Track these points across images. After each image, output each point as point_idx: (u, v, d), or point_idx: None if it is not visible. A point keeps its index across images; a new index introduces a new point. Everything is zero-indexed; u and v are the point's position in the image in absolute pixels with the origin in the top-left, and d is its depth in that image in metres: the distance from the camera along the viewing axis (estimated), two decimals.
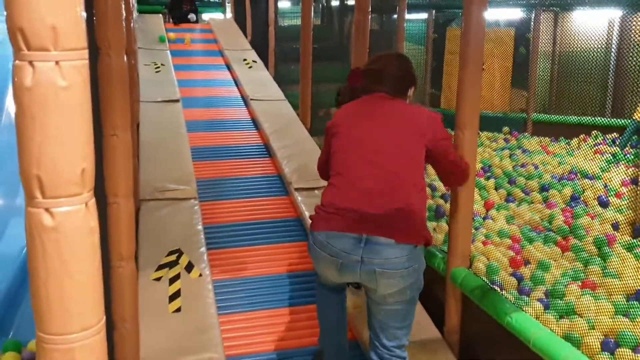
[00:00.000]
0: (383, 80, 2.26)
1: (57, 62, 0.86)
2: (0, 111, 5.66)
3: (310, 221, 2.24)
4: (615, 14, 6.80)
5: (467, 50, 2.48)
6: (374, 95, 2.25)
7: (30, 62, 0.85)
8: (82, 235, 0.90)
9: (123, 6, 2.20)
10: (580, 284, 3.03)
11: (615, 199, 4.62)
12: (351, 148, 2.16)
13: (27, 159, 0.88)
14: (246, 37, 7.39)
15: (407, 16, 6.32)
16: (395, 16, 6.19)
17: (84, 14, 0.89)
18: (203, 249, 3.15)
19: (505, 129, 7.05)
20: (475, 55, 2.49)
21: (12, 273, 3.85)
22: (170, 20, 8.86)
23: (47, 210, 0.88)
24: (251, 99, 5.44)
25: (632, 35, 6.36)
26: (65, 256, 0.88)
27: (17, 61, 0.86)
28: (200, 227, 3.37)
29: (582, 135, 6.59)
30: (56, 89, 0.86)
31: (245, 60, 6.45)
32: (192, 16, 8.87)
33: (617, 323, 2.50)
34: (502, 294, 2.64)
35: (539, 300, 2.79)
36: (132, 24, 3.30)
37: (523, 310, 2.58)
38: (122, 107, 2.14)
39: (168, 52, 6.53)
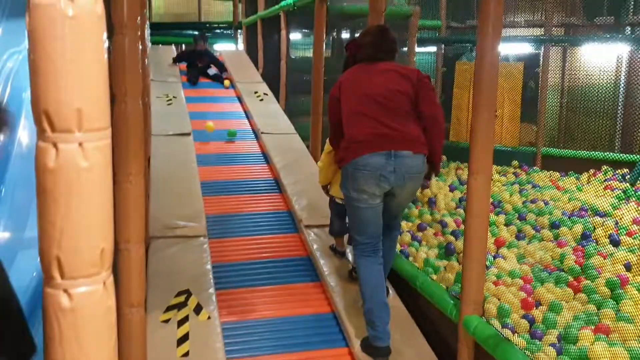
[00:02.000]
0: (378, 50, 2.95)
1: (80, 144, 0.87)
2: (12, 142, 5.68)
3: (347, 156, 2.83)
4: (623, 49, 6.83)
5: (480, 98, 2.48)
6: (374, 62, 2.94)
7: (54, 144, 0.86)
8: (99, 316, 0.89)
9: (140, 46, 2.22)
10: (593, 328, 2.99)
11: (626, 237, 4.59)
12: (362, 95, 2.84)
13: (48, 240, 0.87)
14: (257, 69, 7.45)
15: (417, 49, 6.38)
16: (406, 49, 6.25)
17: (108, 93, 0.90)
18: (212, 289, 3.13)
19: (515, 162, 7.04)
20: (488, 101, 2.49)
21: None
22: (176, 62, 7.44)
23: (65, 291, 0.87)
24: (262, 133, 5.45)
25: None
26: (82, 338, 0.87)
27: (40, 142, 0.86)
28: (209, 266, 3.36)
29: (591, 170, 6.57)
30: (79, 170, 0.87)
31: (256, 92, 6.48)
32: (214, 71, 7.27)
33: None
34: (516, 344, 2.60)
35: (552, 345, 2.75)
36: (146, 61, 3.33)
37: (536, 355, 2.55)
38: (137, 153, 2.15)
39: (180, 84, 6.59)
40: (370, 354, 2.81)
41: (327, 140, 3.30)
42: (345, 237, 3.51)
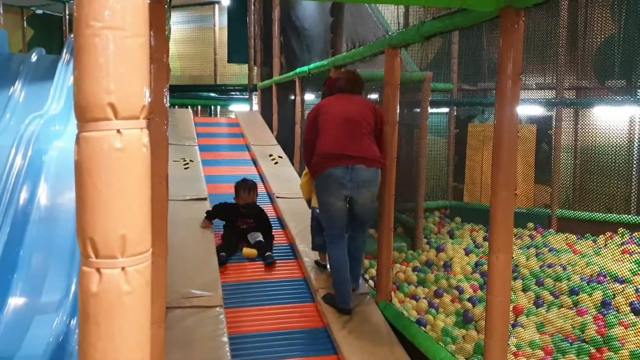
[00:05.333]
0: (350, 84, 3.87)
1: (123, 268, 0.89)
2: (30, 205, 5.75)
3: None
4: (635, 111, 6.88)
5: (499, 176, 2.51)
6: (345, 94, 3.83)
7: (98, 269, 0.88)
8: None
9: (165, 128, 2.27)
10: None
11: None
12: (335, 119, 3.66)
13: None
14: (272, 131, 7.55)
15: (430, 110, 6.47)
16: (418, 110, 6.34)
17: (150, 217, 0.92)
18: None
19: (530, 224, 7.01)
20: (507, 180, 2.51)
21: None
22: (211, 219, 4.81)
23: None
24: (277, 197, 5.48)
25: None
26: None
27: (84, 267, 0.89)
28: (225, 338, 3.32)
29: (608, 233, 6.52)
30: (121, 294, 0.88)
31: (271, 155, 6.54)
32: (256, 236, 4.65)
33: None
34: None
35: None
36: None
37: None
38: (160, 234, 2.17)
39: (197, 147, 6.67)
40: (333, 307, 3.69)
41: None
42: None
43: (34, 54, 7.41)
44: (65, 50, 6.90)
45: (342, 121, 3.64)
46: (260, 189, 5.93)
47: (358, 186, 3.57)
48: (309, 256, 4.42)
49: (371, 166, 3.59)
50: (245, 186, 4.87)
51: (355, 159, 3.56)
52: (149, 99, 0.91)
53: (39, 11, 13.39)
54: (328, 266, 4.05)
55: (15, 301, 4.82)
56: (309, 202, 4.31)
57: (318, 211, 3.96)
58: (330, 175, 3.57)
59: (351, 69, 4.21)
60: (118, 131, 0.87)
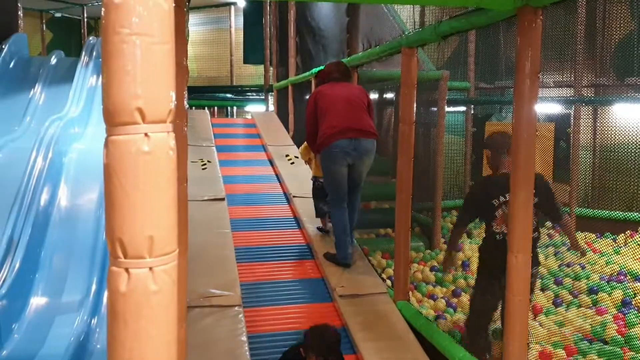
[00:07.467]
0: (340, 74, 4.50)
1: (150, 268, 0.91)
2: (51, 206, 5.81)
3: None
4: None
5: (518, 177, 2.50)
6: (339, 81, 4.45)
7: (126, 269, 0.90)
8: None
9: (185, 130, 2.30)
10: None
11: None
12: (334, 100, 4.28)
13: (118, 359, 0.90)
14: (288, 131, 7.58)
15: (447, 108, 6.43)
16: (435, 109, 6.31)
17: (177, 218, 0.94)
18: None
19: (548, 223, 6.94)
20: (525, 178, 2.50)
21: None
22: None
23: None
24: (293, 196, 5.51)
25: None
26: None
27: (113, 267, 0.91)
28: (244, 337, 3.35)
29: (628, 232, 6.44)
30: (148, 293, 0.91)
31: (287, 155, 6.57)
32: None
33: None
34: None
35: None
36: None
37: None
38: (181, 234, 2.20)
39: (214, 148, 6.72)
40: (333, 262, 4.31)
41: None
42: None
43: (53, 56, 7.50)
44: (84, 52, 6.97)
45: (343, 101, 4.25)
46: (278, 188, 5.97)
47: (360, 155, 4.20)
48: None
49: (370, 138, 4.23)
50: (321, 351, 2.88)
51: (358, 131, 4.18)
52: (175, 103, 0.93)
53: (58, 14, 13.56)
54: (330, 231, 4.70)
55: (37, 301, 4.88)
56: (307, 162, 5.22)
57: (321, 180, 4.62)
58: (337, 146, 4.15)
59: (339, 61, 4.93)
60: (146, 135, 0.89)
